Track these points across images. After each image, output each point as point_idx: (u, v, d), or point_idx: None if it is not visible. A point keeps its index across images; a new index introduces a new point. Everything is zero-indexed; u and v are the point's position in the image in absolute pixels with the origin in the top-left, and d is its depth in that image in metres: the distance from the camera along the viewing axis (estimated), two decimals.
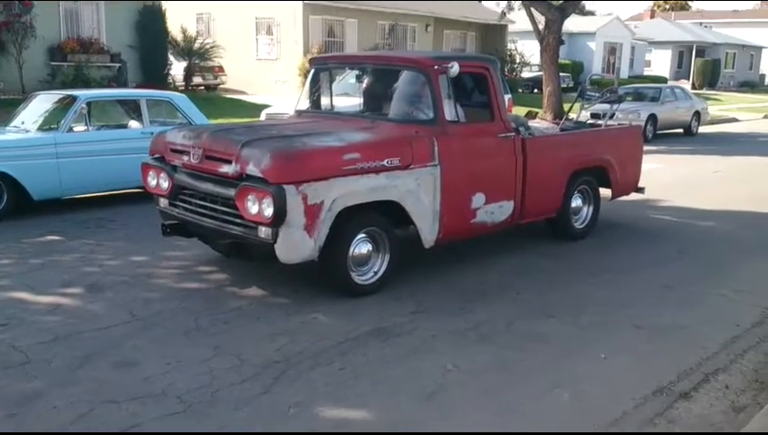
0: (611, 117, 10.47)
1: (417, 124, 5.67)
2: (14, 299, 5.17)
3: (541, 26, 18.82)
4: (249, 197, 4.80)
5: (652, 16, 54.38)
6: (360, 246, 5.31)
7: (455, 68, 5.58)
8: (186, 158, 5.38)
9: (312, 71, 6.79)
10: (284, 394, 3.78)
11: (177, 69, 22.03)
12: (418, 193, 5.44)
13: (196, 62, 22.81)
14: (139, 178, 5.99)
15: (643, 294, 5.62)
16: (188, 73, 22.49)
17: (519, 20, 28.61)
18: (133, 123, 8.85)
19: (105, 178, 8.28)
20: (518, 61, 32.56)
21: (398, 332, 4.69)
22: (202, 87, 23.33)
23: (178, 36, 22.52)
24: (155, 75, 19.20)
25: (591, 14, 53.10)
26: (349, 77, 7.04)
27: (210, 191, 5.18)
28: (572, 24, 34.11)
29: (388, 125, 5.72)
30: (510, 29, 33.34)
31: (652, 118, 17.43)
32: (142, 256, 6.34)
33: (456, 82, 5.86)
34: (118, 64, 18.74)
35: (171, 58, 21.26)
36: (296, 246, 4.88)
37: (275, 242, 4.84)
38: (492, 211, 6.09)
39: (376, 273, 5.43)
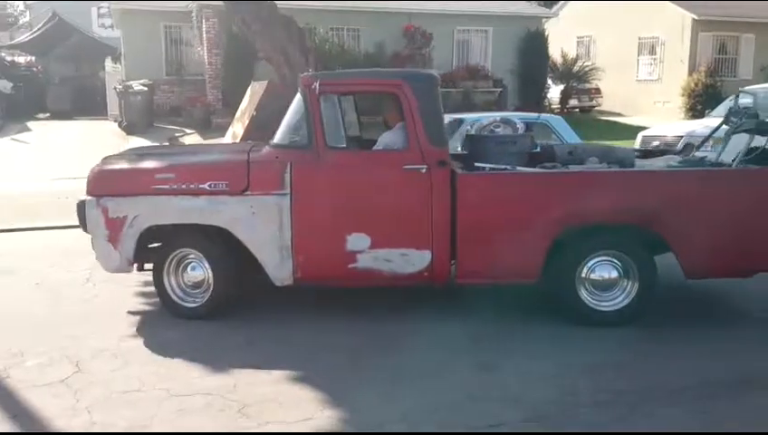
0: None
1: (292, 148, 5.17)
2: None
3: None
4: None
5: None
6: (195, 268, 5.24)
7: (314, 87, 4.97)
8: None
9: None
10: (638, 426, 3.67)
11: (554, 92, 22.57)
12: (254, 222, 5.00)
13: (574, 84, 23.05)
14: None
15: None
16: (565, 96, 22.85)
17: None
18: None
19: None
20: None
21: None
22: (577, 109, 23.48)
23: (558, 60, 23.04)
24: (532, 98, 19.98)
25: None
26: None
27: None
28: None
29: (260, 149, 5.37)
30: None
31: None
32: None
33: (363, 103, 5.70)
34: (499, 89, 19.98)
35: (549, 82, 21.88)
36: (103, 255, 5.23)
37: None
38: (388, 259, 5.01)
39: (203, 298, 5.24)
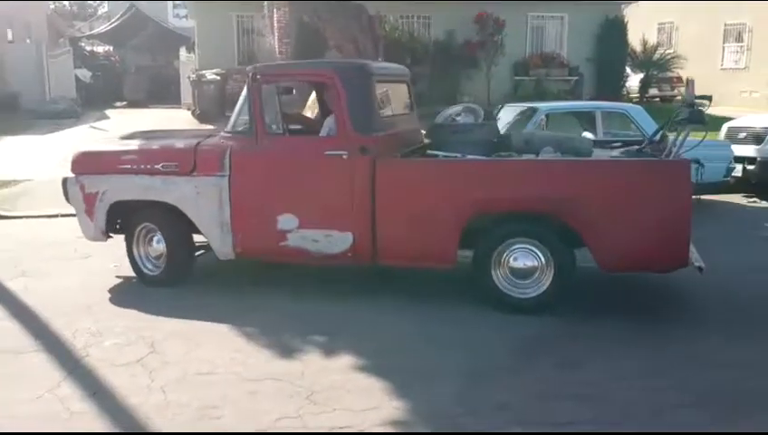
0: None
1: (237, 135, 5.56)
2: None
3: None
4: None
5: None
6: (159, 242, 5.74)
7: (252, 77, 5.41)
8: None
9: None
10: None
11: (633, 81, 21.80)
12: (199, 201, 5.50)
13: (654, 73, 22.19)
14: None
15: None
16: (644, 85, 22.00)
17: None
18: (586, 134, 9.06)
19: None
20: None
21: None
22: (657, 98, 22.59)
23: (637, 48, 22.24)
24: (610, 87, 19.29)
25: None
26: None
27: None
28: None
29: (215, 135, 5.82)
30: None
31: None
32: None
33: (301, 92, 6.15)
34: (575, 77, 19.40)
35: (628, 70, 21.13)
36: (83, 226, 5.95)
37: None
38: (314, 239, 5.34)
39: (157, 267, 5.79)
